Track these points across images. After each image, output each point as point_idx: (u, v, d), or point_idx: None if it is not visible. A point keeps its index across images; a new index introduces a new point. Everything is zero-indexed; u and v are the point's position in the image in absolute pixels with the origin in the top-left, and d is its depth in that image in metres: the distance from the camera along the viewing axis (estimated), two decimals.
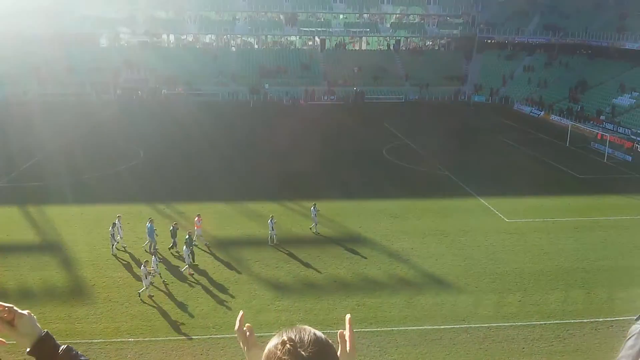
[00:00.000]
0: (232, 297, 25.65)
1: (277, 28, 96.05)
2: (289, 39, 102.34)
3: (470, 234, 32.98)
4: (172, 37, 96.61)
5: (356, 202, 37.22)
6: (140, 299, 25.18)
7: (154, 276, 26.19)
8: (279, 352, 1.93)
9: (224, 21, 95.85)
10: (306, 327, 2.06)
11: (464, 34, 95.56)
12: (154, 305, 24.79)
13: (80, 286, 26.41)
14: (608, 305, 25.31)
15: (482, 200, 38.67)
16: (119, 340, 22.17)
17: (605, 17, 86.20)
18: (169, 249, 29.71)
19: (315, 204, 32.95)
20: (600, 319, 24.18)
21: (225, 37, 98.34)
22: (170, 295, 25.69)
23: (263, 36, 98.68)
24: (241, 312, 2.49)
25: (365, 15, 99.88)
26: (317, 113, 72.50)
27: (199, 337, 22.40)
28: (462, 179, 43.29)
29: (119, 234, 30.06)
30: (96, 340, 22.09)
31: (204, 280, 27.03)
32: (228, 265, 28.66)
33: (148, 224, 29.93)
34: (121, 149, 50.74)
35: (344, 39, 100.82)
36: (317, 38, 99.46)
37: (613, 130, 59.14)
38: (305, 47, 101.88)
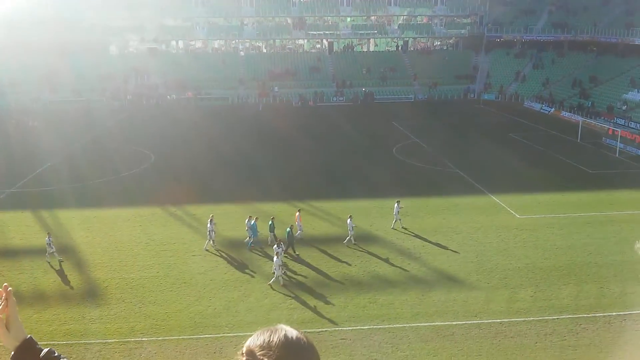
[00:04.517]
0: (245, 296, 25.76)
1: (285, 32, 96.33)
2: (297, 42, 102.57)
3: (481, 231, 32.91)
4: (180, 43, 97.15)
5: (367, 200, 37.27)
6: (272, 288, 26.22)
7: (281, 267, 26.68)
8: None
9: (232, 26, 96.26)
10: (280, 327, 2.01)
11: (472, 34, 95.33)
12: (287, 293, 25.06)
13: (94, 288, 26.64)
14: (621, 300, 25.17)
15: (494, 197, 38.56)
16: (133, 339, 22.33)
17: (614, 14, 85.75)
18: (269, 242, 29.91)
19: (398, 201, 33.01)
20: (614, 313, 24.06)
21: (233, 42, 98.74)
22: (181, 294, 25.84)
23: (271, 40, 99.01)
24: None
25: (372, 18, 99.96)
26: (327, 114, 72.66)
27: (212, 335, 22.52)
28: (473, 176, 43.19)
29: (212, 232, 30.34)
30: (110, 340, 22.27)
31: (216, 280, 27.16)
32: (239, 265, 28.79)
33: (252, 222, 30.29)
34: (132, 153, 51.09)
35: (352, 41, 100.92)
36: (325, 41, 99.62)
37: (624, 125, 58.78)
38: (313, 50, 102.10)
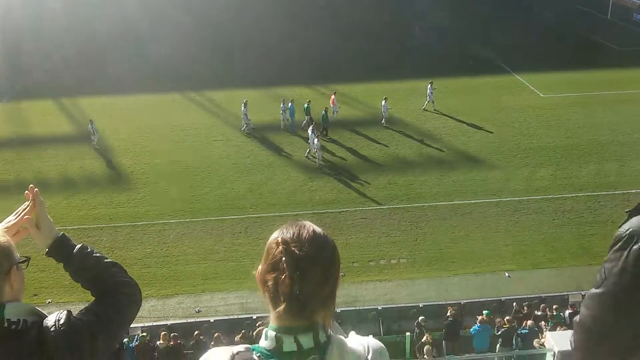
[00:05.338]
0: (267, 179, 26.28)
1: None
2: None
3: (504, 111, 32.56)
4: None
5: (386, 83, 36.66)
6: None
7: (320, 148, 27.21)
8: (274, 251, 2.01)
9: None
10: (307, 223, 2.10)
11: None
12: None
13: (120, 173, 27.36)
14: None
15: (518, 77, 37.77)
16: (161, 222, 23.23)
17: None
18: (303, 125, 30.16)
19: (432, 82, 32.68)
20: (633, 191, 24.16)
21: None
22: (206, 178, 26.45)
23: None
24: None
25: None
26: None
27: (237, 217, 23.29)
28: (497, 55, 41.98)
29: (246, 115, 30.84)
30: (139, 223, 23.19)
31: (239, 164, 27.63)
32: (261, 149, 29.15)
33: (289, 104, 30.70)
34: (148, 39, 50.19)
35: None
36: None
37: None
38: None
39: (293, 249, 1.98)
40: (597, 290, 2.10)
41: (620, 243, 2.05)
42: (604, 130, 29.75)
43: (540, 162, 26.91)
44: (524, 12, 56.00)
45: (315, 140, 26.83)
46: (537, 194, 24.34)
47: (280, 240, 2.01)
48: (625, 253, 2.01)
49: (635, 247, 1.99)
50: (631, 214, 2.21)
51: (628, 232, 2.06)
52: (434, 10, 56.24)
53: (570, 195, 24.14)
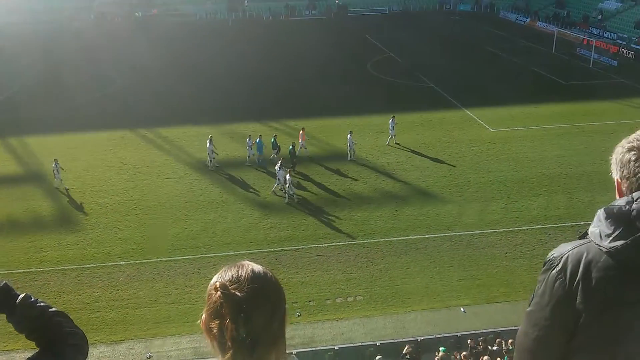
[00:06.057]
0: (221, 217, 25.91)
1: None
2: None
3: (454, 146, 33.09)
4: None
5: (340, 119, 36.96)
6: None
7: (280, 184, 27.11)
8: (214, 297, 1.92)
9: None
10: (245, 262, 2.03)
11: None
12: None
13: (68, 214, 26.54)
14: (590, 209, 25.76)
15: (467, 112, 38.54)
16: (110, 264, 22.54)
17: None
18: (271, 158, 30.31)
19: (394, 116, 32.97)
20: (582, 223, 24.67)
21: None
22: (157, 217, 25.90)
23: None
24: None
25: None
26: (299, 29, 70.82)
27: (190, 257, 22.80)
28: (447, 90, 42.90)
29: (212, 152, 30.52)
30: (88, 266, 22.46)
31: (192, 202, 27.17)
32: (215, 187, 28.78)
33: (257, 140, 30.56)
34: (98, 76, 49.52)
35: None
36: None
37: (599, 35, 58.33)
38: None
39: (233, 291, 1.89)
40: (527, 309, 2.34)
41: (544, 267, 2.28)
42: (552, 163, 30.52)
43: (492, 195, 27.35)
44: (470, 48, 57.60)
45: (287, 176, 26.71)
46: (490, 227, 24.66)
47: (218, 285, 1.91)
48: (546, 276, 2.24)
49: (553, 271, 2.22)
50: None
51: (551, 257, 2.28)
52: (385, 45, 57.35)
53: (521, 228, 24.54)
